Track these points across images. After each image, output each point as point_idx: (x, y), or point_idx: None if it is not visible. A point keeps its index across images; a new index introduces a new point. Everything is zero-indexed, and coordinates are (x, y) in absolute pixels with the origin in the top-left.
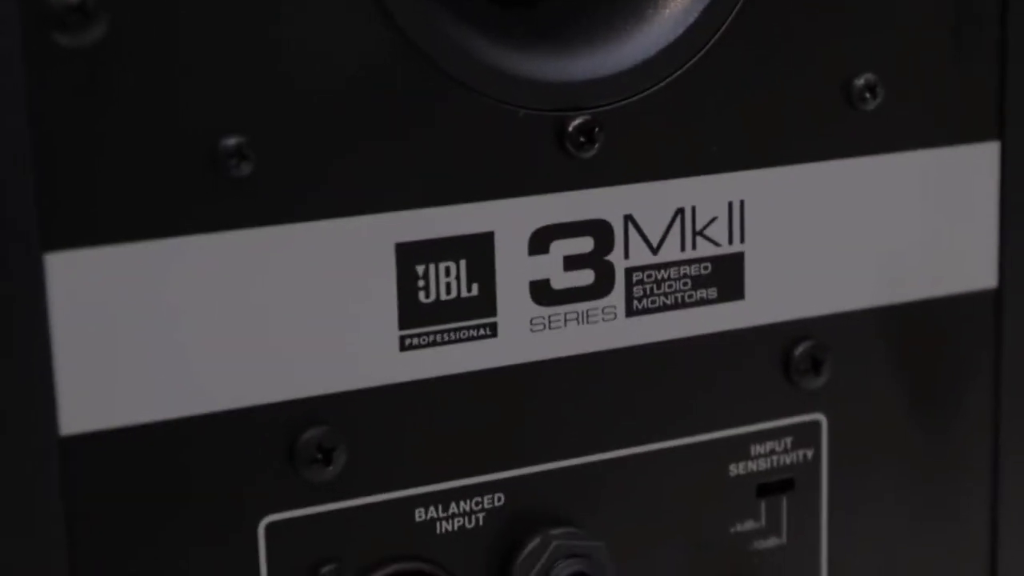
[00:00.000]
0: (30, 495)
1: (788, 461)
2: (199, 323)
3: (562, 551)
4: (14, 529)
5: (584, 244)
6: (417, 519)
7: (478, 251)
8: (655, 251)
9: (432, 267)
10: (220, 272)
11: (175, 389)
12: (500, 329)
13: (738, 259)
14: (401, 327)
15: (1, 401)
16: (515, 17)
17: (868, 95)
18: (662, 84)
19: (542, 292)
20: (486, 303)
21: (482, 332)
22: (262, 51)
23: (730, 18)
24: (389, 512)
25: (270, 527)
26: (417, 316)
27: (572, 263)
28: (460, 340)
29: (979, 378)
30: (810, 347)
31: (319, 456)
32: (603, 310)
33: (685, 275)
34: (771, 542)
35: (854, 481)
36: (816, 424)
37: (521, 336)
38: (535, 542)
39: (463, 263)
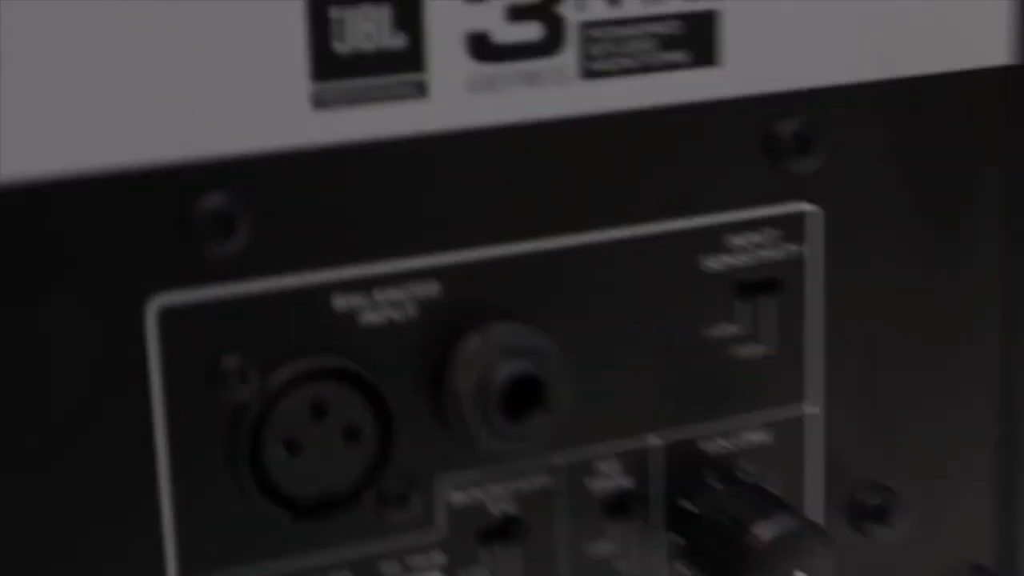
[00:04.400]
0: None
1: (772, 257)
2: (76, 62)
3: (506, 349)
4: None
5: None
6: (336, 308)
7: None
8: (614, 1)
9: (349, 9)
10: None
11: (47, 141)
12: (431, 88)
13: (714, 18)
14: (314, 78)
15: None
16: None
17: None
18: None
19: (481, 46)
20: (414, 56)
21: (409, 91)
22: None
23: None
24: (302, 298)
25: (162, 311)
26: (333, 68)
27: (517, 14)
28: (384, 99)
29: (988, 164)
30: (797, 125)
31: (218, 228)
32: (554, 71)
33: (651, 33)
34: (752, 349)
35: (847, 281)
36: (804, 215)
37: (456, 97)
38: (475, 339)
39: (386, 6)
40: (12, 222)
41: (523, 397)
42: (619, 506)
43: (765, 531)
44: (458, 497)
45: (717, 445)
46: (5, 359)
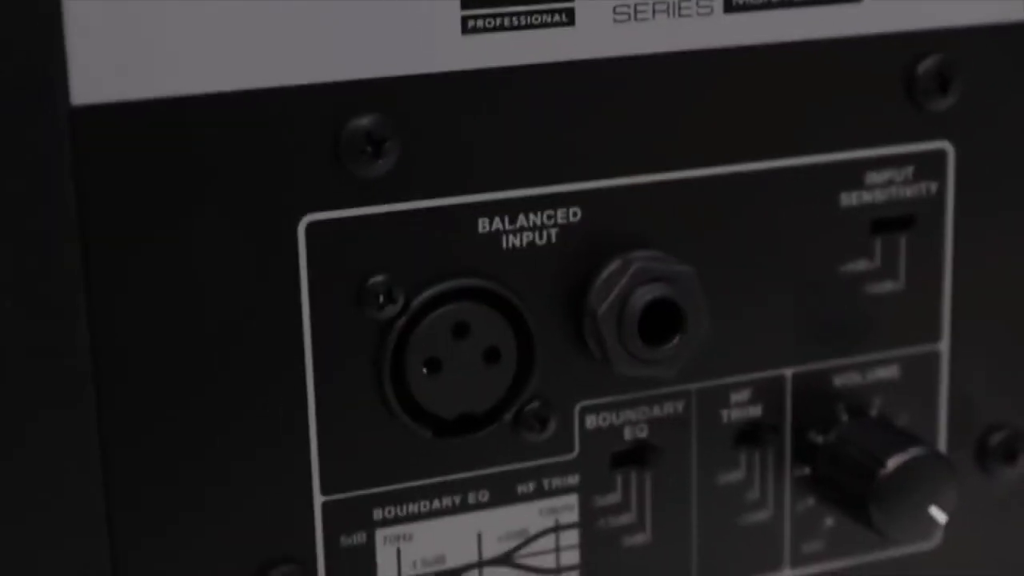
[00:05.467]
0: (40, 168)
1: (908, 194)
2: None
3: (645, 274)
4: (23, 201)
5: None
6: (480, 230)
7: None
8: None
9: None
10: None
11: (202, 61)
12: (578, 16)
13: None
14: (464, 6)
15: (8, 69)
16: None
17: None
18: None
19: None
20: None
21: (557, 19)
22: None
23: None
24: (448, 219)
25: (311, 227)
26: None
27: None
28: (532, 26)
29: None
30: (938, 63)
31: (368, 148)
32: (698, 3)
33: None
34: (886, 286)
35: (984, 221)
36: (942, 153)
37: (602, 26)
38: (614, 264)
39: None
40: (169, 140)
41: (660, 323)
42: (749, 436)
43: (892, 461)
44: (594, 420)
45: (848, 379)
46: (159, 277)
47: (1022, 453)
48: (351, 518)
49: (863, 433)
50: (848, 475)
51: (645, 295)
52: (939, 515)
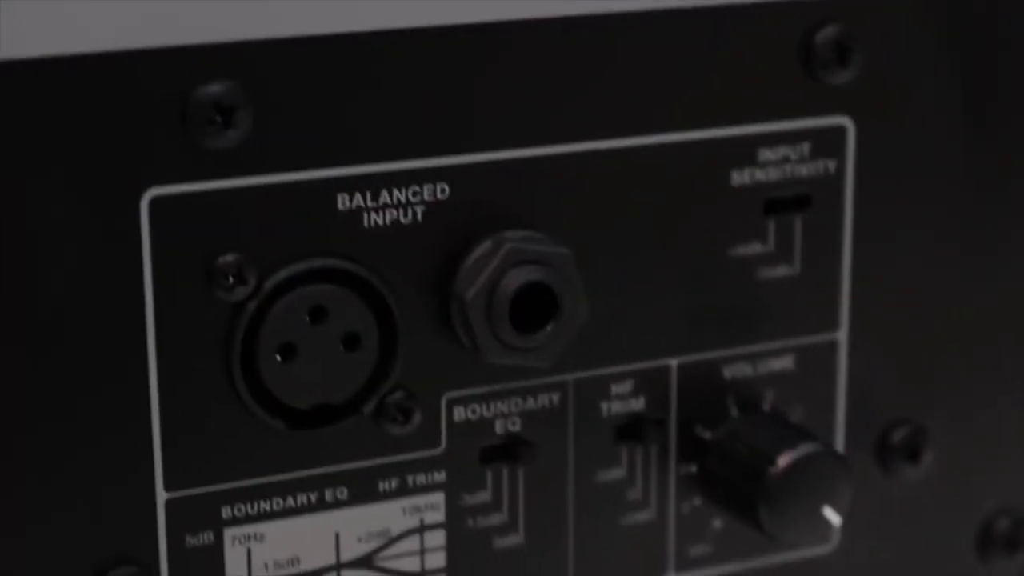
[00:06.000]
0: None
1: (804, 173)
2: None
3: (517, 256)
4: None
5: None
6: (340, 207)
7: None
8: None
9: None
10: None
11: (37, 23)
12: None
13: None
14: None
15: None
16: None
17: None
18: None
19: None
20: None
21: None
22: None
23: None
24: (304, 195)
25: (156, 202)
26: None
27: None
28: None
29: None
30: (836, 33)
31: (217, 118)
32: None
33: None
34: (780, 271)
35: (885, 202)
36: (841, 129)
37: None
38: (485, 245)
39: None
40: (4, 104)
41: (534, 308)
42: (631, 430)
43: (782, 459)
44: (462, 413)
45: (738, 370)
46: None
47: (925, 451)
48: (197, 516)
49: (753, 428)
50: (736, 473)
51: (517, 279)
52: (833, 517)
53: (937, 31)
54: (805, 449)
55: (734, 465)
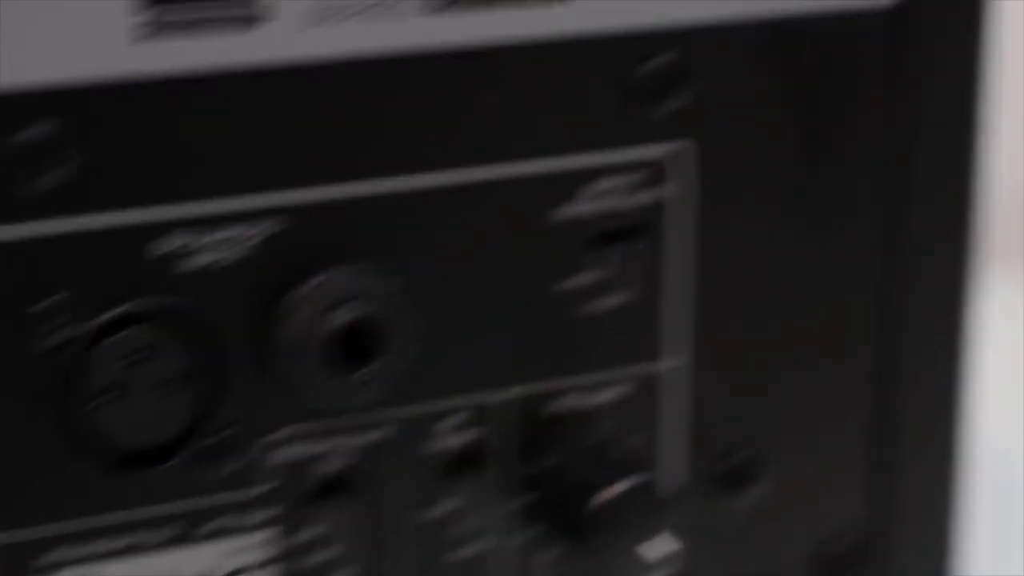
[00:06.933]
0: None
1: (633, 203)
2: None
3: (342, 293)
4: None
5: None
6: (162, 248)
7: None
8: None
9: None
10: None
11: None
12: (262, 19)
13: None
14: (138, 6)
15: None
16: None
17: None
18: None
19: None
20: None
21: (240, 22)
22: None
23: None
24: (126, 237)
25: None
26: None
27: None
28: (213, 30)
29: (871, 111)
30: (661, 64)
31: (32, 161)
32: (395, 4)
33: None
34: (611, 301)
35: (716, 230)
36: (670, 158)
37: (289, 29)
38: (310, 282)
39: None
40: None
41: (361, 345)
42: (463, 464)
43: (608, 490)
44: (289, 452)
45: (571, 401)
46: None
47: (761, 476)
48: (6, 563)
49: (584, 460)
50: (566, 505)
51: (342, 315)
52: (660, 548)
53: (765, 58)
54: (631, 481)
55: (564, 497)
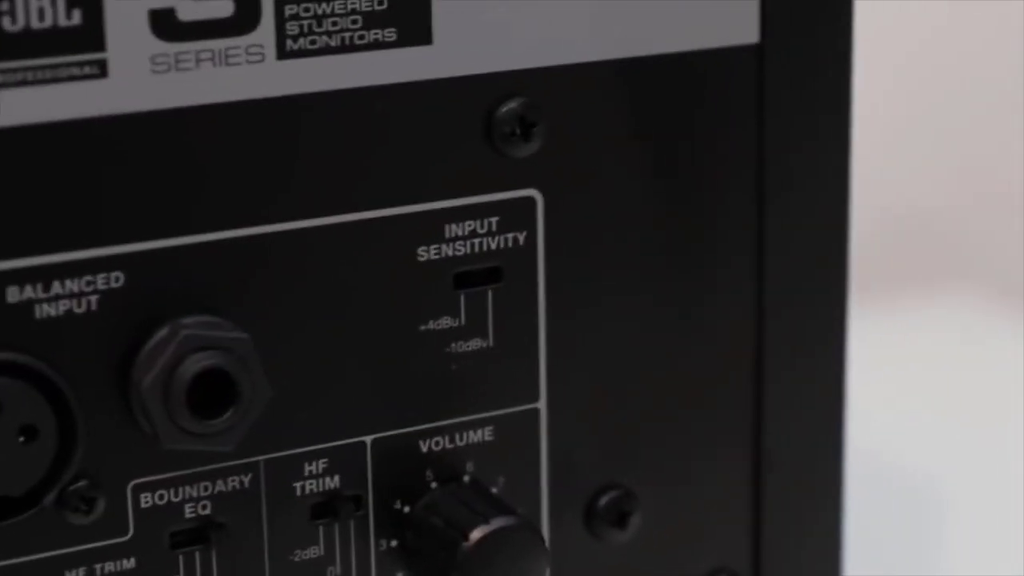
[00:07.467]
0: None
1: (493, 246)
2: None
3: (194, 342)
4: None
5: None
6: (9, 300)
7: None
8: None
9: None
10: None
11: None
12: (111, 67)
13: None
14: None
15: None
16: None
17: None
18: None
19: (166, 23)
20: (92, 35)
21: (88, 71)
22: None
23: None
24: None
25: None
26: (3, 48)
27: None
28: (60, 80)
29: (739, 146)
30: (518, 107)
31: None
32: (247, 49)
33: (355, 11)
34: (474, 344)
35: (576, 272)
36: (529, 201)
37: (139, 77)
38: (162, 332)
39: None
40: None
41: (216, 392)
42: (328, 508)
43: (475, 533)
44: (149, 499)
45: (437, 444)
46: None
47: (632, 515)
48: None
49: (451, 502)
50: (434, 548)
51: (194, 365)
52: None
53: (619, 102)
54: (498, 523)
55: (431, 540)
